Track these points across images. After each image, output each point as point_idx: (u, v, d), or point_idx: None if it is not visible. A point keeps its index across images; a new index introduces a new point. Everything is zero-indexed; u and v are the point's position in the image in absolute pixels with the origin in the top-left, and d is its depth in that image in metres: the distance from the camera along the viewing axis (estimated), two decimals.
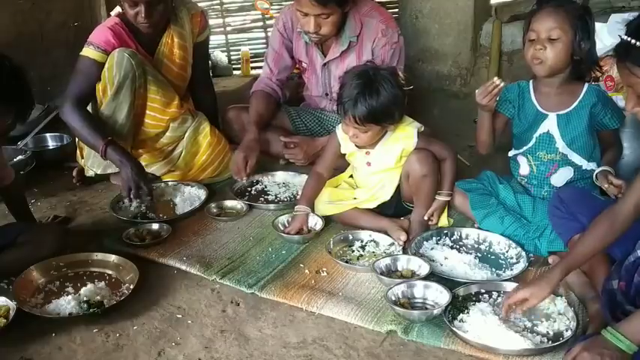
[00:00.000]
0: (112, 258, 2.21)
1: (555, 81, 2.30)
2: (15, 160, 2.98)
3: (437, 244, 2.33)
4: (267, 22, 4.95)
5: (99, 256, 2.22)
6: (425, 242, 2.33)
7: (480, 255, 2.27)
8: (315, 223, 2.44)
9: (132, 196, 2.51)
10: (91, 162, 2.78)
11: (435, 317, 1.89)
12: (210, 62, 4.27)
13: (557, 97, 2.32)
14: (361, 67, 2.37)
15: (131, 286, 2.05)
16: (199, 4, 3.16)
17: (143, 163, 2.68)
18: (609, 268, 1.87)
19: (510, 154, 2.49)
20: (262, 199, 2.76)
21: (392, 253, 2.25)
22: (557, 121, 2.31)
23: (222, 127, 3.13)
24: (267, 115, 3.08)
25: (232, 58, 5.00)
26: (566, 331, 1.82)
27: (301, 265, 2.23)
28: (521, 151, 2.42)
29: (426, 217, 2.42)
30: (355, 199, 2.50)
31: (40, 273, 2.13)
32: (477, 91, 2.33)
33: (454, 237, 2.37)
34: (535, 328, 1.85)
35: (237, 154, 2.80)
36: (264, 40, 4.97)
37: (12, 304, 1.93)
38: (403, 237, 2.33)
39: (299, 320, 1.96)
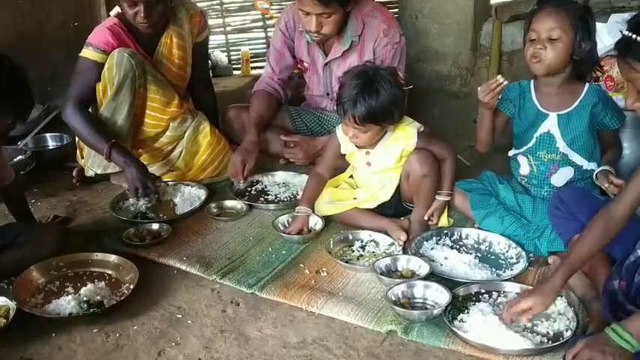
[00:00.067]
0: (112, 258, 2.21)
1: (556, 81, 2.30)
2: (15, 160, 2.97)
3: (437, 244, 2.33)
4: (267, 22, 4.96)
5: (99, 256, 2.22)
6: (425, 242, 2.33)
7: (479, 255, 2.27)
8: (315, 223, 2.43)
9: (139, 195, 2.54)
10: (91, 162, 2.78)
11: (435, 317, 1.89)
12: (210, 62, 4.28)
13: (558, 97, 2.32)
14: (360, 67, 2.37)
15: (131, 286, 2.05)
16: (199, 4, 3.16)
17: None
18: (610, 269, 1.87)
19: (510, 153, 2.49)
20: (262, 199, 2.75)
21: (392, 253, 2.25)
22: (557, 120, 2.31)
23: (222, 126, 3.12)
24: (268, 116, 3.08)
25: (232, 58, 5.00)
26: (566, 331, 1.81)
27: (301, 265, 2.23)
28: (521, 150, 2.42)
29: (426, 217, 2.42)
30: (355, 199, 2.50)
31: (40, 273, 2.13)
32: (479, 88, 2.33)
33: (454, 237, 2.37)
34: (535, 328, 1.85)
35: (234, 158, 2.79)
36: (264, 40, 4.97)
37: (12, 304, 1.93)
38: (403, 237, 2.33)
39: (299, 320, 1.96)
